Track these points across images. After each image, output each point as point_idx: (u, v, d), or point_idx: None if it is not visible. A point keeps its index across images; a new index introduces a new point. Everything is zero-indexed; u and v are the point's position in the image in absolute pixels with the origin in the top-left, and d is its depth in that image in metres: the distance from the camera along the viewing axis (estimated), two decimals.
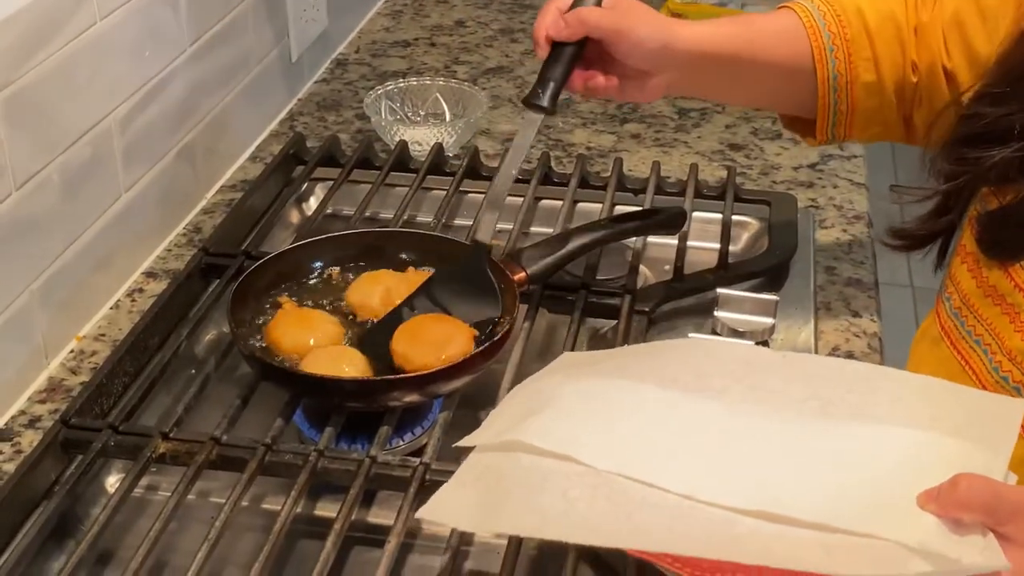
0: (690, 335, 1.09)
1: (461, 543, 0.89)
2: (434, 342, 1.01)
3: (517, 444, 0.82)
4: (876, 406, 0.84)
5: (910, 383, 0.88)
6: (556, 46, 1.03)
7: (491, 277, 1.08)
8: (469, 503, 0.80)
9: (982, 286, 0.94)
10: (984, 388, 0.93)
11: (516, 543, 0.87)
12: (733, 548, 0.71)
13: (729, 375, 0.87)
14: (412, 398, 1.00)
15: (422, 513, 0.80)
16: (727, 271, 1.21)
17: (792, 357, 0.93)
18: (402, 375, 1.00)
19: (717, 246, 1.23)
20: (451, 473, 0.88)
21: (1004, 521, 0.71)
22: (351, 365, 1.00)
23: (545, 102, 1.02)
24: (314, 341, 1.03)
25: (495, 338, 1.02)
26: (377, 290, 1.09)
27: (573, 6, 1.04)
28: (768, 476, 0.77)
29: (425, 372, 0.98)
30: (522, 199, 1.31)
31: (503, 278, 1.09)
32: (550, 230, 1.24)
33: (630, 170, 1.41)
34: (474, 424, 0.89)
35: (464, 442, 0.86)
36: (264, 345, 1.04)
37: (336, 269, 1.14)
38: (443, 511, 0.80)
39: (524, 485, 0.79)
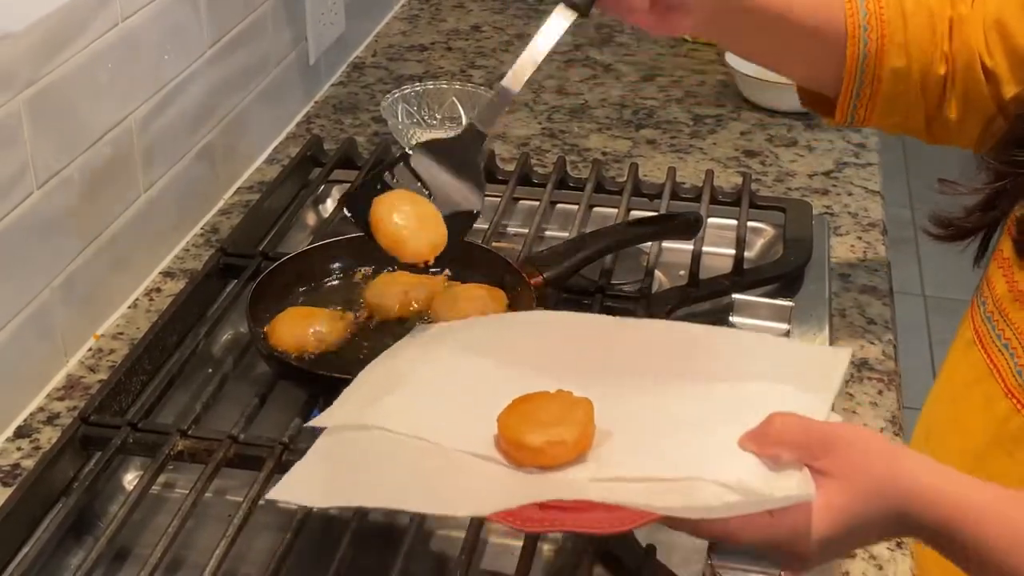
0: None
1: (476, 543, 0.90)
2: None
3: (367, 427, 0.83)
4: (707, 366, 0.88)
5: (739, 339, 0.94)
6: None
7: (479, 167, 1.04)
8: (319, 480, 0.80)
9: (1013, 291, 0.94)
10: (1009, 392, 0.93)
11: (532, 544, 0.88)
12: (564, 496, 0.75)
13: (575, 351, 0.91)
14: None
15: (273, 494, 0.80)
16: (742, 277, 1.21)
17: (632, 323, 0.96)
18: None
19: (732, 252, 1.24)
20: None
21: (818, 455, 0.74)
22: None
23: (584, 5, 0.99)
24: (312, 332, 1.04)
25: None
26: (394, 291, 1.09)
27: None
28: (604, 447, 0.81)
29: None
30: (538, 203, 1.31)
31: (519, 280, 1.10)
32: (566, 234, 1.24)
33: (645, 175, 1.41)
34: None
35: (316, 422, 0.86)
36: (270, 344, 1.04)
37: (353, 271, 1.14)
38: (294, 490, 0.80)
39: (374, 459, 0.81)
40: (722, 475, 0.74)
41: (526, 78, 1.01)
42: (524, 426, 0.80)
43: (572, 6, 1.00)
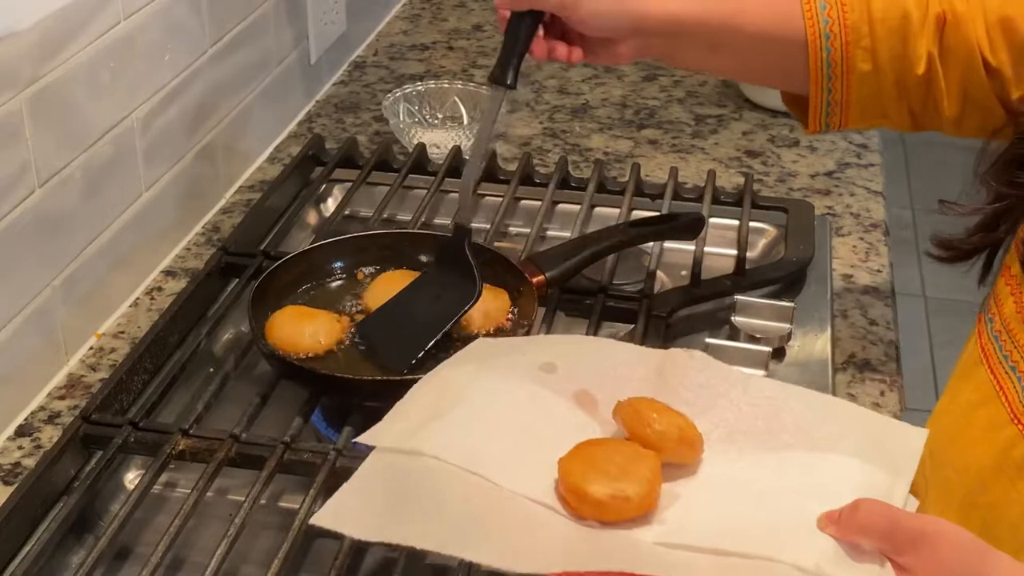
0: (707, 341, 1.09)
1: None
2: None
3: (420, 454, 0.79)
4: (782, 431, 0.84)
5: (814, 403, 0.88)
6: (513, 18, 1.02)
7: (471, 260, 1.07)
8: (368, 510, 0.76)
9: (1022, 311, 0.91)
10: (1015, 418, 0.91)
11: None
12: (630, 564, 0.71)
13: (639, 391, 0.86)
14: None
15: (318, 519, 0.76)
16: (744, 277, 1.21)
17: (701, 364, 0.91)
18: (418, 375, 1.00)
19: (734, 252, 1.24)
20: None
21: (902, 550, 0.71)
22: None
23: (507, 79, 1.03)
24: (309, 334, 1.04)
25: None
26: (394, 291, 1.09)
27: None
28: (672, 509, 0.77)
29: None
30: (540, 203, 1.31)
31: (521, 279, 1.09)
32: (568, 234, 1.24)
33: (647, 176, 1.41)
34: None
35: (364, 439, 0.83)
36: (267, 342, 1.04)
37: (355, 270, 1.14)
38: (341, 518, 0.76)
39: (427, 493, 0.77)
40: (800, 558, 0.71)
41: (479, 172, 1.09)
42: (587, 475, 0.76)
43: (501, 85, 1.03)
